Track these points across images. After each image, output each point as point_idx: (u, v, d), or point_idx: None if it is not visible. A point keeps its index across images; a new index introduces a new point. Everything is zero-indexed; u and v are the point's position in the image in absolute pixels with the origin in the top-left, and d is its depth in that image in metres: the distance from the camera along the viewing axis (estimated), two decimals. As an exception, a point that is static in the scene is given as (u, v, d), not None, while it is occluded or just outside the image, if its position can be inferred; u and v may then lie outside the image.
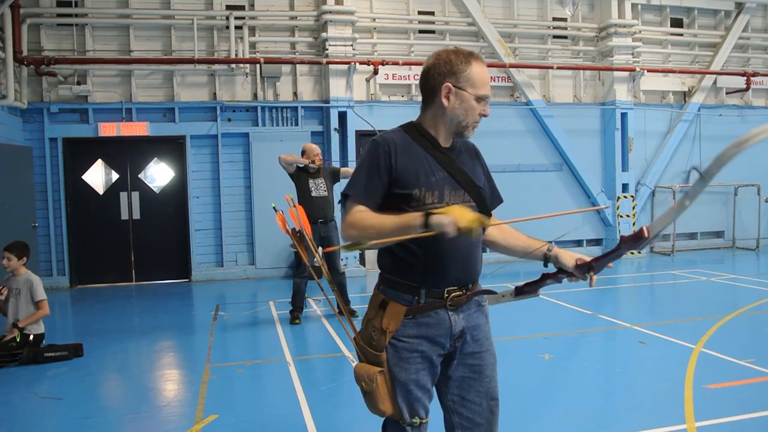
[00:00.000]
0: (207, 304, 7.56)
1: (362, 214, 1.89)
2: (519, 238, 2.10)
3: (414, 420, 1.97)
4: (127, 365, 5.22)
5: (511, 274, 8.17)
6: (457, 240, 1.92)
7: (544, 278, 2.00)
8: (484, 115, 1.98)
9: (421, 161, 1.95)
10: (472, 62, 1.92)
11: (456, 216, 1.70)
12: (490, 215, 2.05)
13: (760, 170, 11.47)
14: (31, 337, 5.09)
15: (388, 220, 1.83)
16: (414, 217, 1.77)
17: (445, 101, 1.93)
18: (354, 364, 2.11)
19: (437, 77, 1.94)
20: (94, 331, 6.17)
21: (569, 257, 1.94)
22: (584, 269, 1.89)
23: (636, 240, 1.76)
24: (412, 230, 1.77)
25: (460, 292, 1.97)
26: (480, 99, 1.93)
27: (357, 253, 9.65)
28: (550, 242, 2.01)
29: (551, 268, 2.01)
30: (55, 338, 5.53)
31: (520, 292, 2.05)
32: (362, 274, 9.41)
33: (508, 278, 8.39)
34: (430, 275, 1.93)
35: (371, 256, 9.78)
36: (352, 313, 5.90)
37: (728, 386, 4.05)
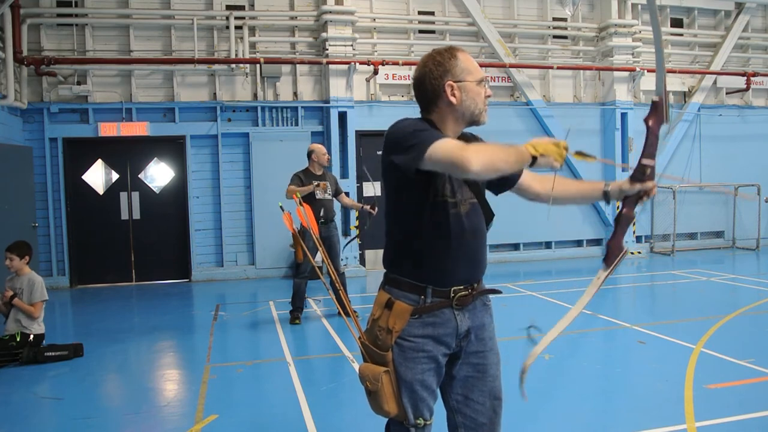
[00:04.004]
0: (207, 304, 7.56)
1: (475, 144, 1.84)
2: (571, 184, 2.16)
3: (418, 421, 1.96)
4: (127, 365, 5.21)
5: (512, 274, 8.17)
6: (464, 239, 1.93)
7: (621, 215, 2.00)
8: (489, 96, 2.00)
9: None
10: (457, 54, 1.95)
11: (553, 151, 1.74)
12: (492, 215, 2.06)
13: (760, 170, 11.49)
14: (32, 336, 5.09)
15: (508, 149, 1.75)
16: (525, 153, 1.73)
17: (453, 99, 1.94)
18: (358, 365, 2.11)
19: (435, 81, 1.94)
20: (94, 331, 6.17)
21: (624, 182, 1.97)
22: (638, 176, 1.92)
23: (655, 110, 1.85)
24: (524, 164, 1.75)
25: (466, 292, 1.97)
26: (479, 82, 1.96)
27: (357, 253, 9.66)
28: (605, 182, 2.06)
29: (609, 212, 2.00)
30: (55, 338, 5.53)
31: (616, 246, 2.00)
32: (362, 274, 9.40)
33: (509, 278, 8.40)
34: (436, 274, 1.93)
35: (371, 256, 9.79)
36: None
37: (728, 386, 4.06)
